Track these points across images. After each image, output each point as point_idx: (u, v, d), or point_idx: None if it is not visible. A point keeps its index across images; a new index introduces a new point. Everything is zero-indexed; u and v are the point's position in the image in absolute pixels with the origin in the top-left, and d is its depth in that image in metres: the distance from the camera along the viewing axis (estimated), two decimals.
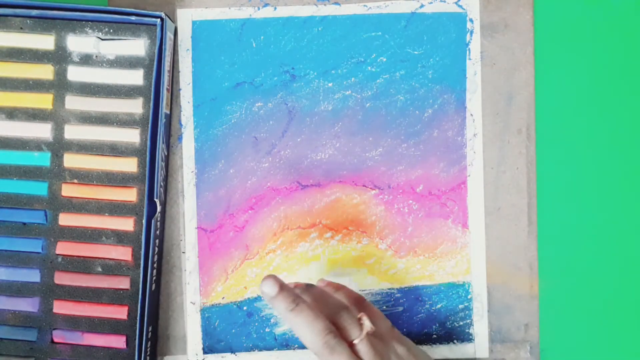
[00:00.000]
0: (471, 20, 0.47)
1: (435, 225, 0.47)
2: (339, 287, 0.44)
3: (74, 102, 0.45)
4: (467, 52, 0.47)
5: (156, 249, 0.45)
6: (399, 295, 0.47)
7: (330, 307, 0.40)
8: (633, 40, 0.47)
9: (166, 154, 0.46)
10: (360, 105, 0.47)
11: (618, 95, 0.47)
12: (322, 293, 0.41)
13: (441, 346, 0.47)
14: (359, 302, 0.43)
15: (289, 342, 0.47)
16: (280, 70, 0.47)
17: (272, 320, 0.47)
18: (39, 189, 0.45)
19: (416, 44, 0.47)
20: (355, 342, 0.39)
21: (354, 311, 0.41)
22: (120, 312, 0.45)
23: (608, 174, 0.47)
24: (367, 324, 0.40)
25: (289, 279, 0.47)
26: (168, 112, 0.46)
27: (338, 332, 0.39)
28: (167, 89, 0.45)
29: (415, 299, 0.47)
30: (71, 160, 0.45)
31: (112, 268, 0.45)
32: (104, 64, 0.45)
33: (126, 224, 0.45)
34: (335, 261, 0.47)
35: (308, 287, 0.41)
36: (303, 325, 0.38)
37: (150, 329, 0.45)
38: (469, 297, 0.47)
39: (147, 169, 0.44)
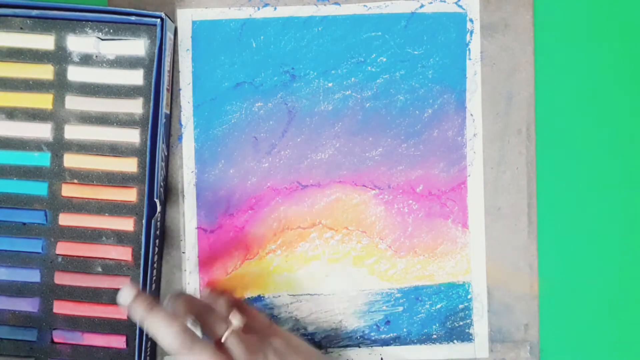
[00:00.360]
0: (471, 20, 0.47)
1: (435, 225, 0.47)
2: (220, 294, 0.45)
3: (74, 102, 0.45)
4: (467, 52, 0.47)
5: (156, 249, 0.45)
6: (399, 295, 0.47)
7: (197, 308, 0.40)
8: (633, 40, 0.47)
9: (166, 154, 0.46)
10: (360, 105, 0.47)
11: (618, 95, 0.47)
12: (189, 299, 0.41)
13: (441, 346, 0.47)
14: (236, 304, 0.44)
15: None
16: (280, 70, 0.47)
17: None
18: (39, 189, 0.45)
19: (416, 44, 0.47)
20: (222, 339, 0.39)
21: (224, 311, 0.41)
22: (120, 312, 0.45)
23: (608, 174, 0.47)
24: (234, 321, 0.40)
25: (289, 279, 0.47)
26: (168, 112, 0.46)
27: (208, 330, 0.40)
28: (167, 89, 0.45)
29: (415, 299, 0.47)
30: (71, 160, 0.45)
31: (112, 268, 0.45)
32: (104, 64, 0.45)
33: (126, 224, 0.45)
34: (335, 261, 0.47)
35: (176, 295, 0.41)
36: (160, 328, 0.38)
37: None
38: (469, 297, 0.47)
39: (147, 169, 0.44)
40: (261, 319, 0.44)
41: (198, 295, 0.46)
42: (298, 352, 0.42)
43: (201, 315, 0.40)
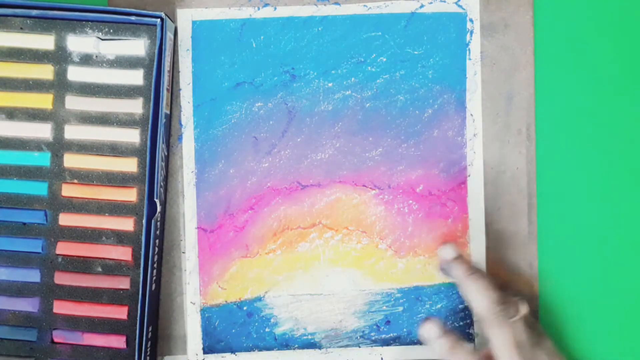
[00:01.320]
0: (471, 20, 0.47)
1: (435, 225, 0.47)
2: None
3: (74, 102, 0.45)
4: (467, 52, 0.47)
5: (156, 249, 0.45)
6: (399, 295, 0.47)
7: (495, 283, 0.43)
8: (633, 40, 0.47)
9: (166, 154, 0.46)
10: (360, 105, 0.47)
11: (618, 95, 0.47)
12: (490, 278, 0.44)
13: None
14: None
15: (289, 342, 0.47)
16: (280, 70, 0.47)
17: (272, 320, 0.47)
18: (39, 189, 0.45)
19: (416, 44, 0.47)
20: (511, 319, 0.41)
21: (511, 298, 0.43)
22: (120, 312, 0.45)
23: (608, 174, 0.47)
24: (523, 307, 0.42)
25: (289, 279, 0.47)
26: (168, 112, 0.46)
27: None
28: (167, 89, 0.45)
29: (415, 299, 0.47)
30: (71, 160, 0.45)
31: (112, 268, 0.45)
32: (104, 64, 0.45)
33: (126, 224, 0.45)
34: (335, 261, 0.47)
35: (480, 271, 0.44)
36: (479, 291, 0.42)
37: (150, 329, 0.45)
38: None
39: (147, 169, 0.44)
40: (534, 320, 0.45)
41: None
42: (561, 358, 0.43)
43: (498, 294, 0.42)
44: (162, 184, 0.45)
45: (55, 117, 0.45)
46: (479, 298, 0.42)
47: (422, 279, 0.47)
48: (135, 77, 0.45)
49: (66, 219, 0.45)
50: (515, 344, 0.41)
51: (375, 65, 0.47)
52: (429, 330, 0.43)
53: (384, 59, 0.47)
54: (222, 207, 0.47)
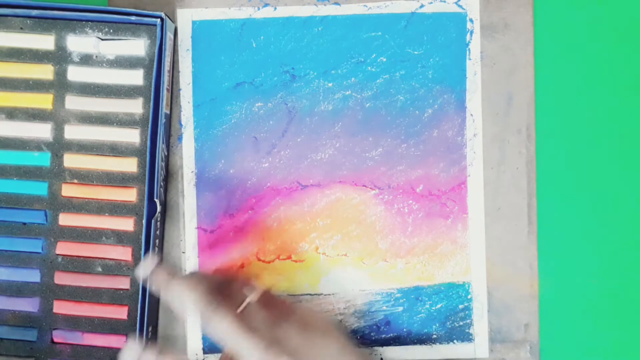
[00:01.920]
0: (471, 20, 0.47)
1: (435, 225, 0.47)
2: (234, 277, 0.45)
3: (74, 102, 0.45)
4: (467, 52, 0.47)
5: (156, 249, 0.45)
6: (399, 295, 0.47)
7: (214, 282, 0.40)
8: (633, 40, 0.47)
9: (166, 154, 0.46)
10: (360, 105, 0.47)
11: (618, 95, 0.47)
12: (205, 274, 0.42)
13: (441, 346, 0.47)
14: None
15: None
16: (280, 70, 0.47)
17: None
18: (39, 189, 0.45)
19: (416, 44, 0.47)
20: (238, 310, 0.39)
21: (240, 286, 0.41)
22: (120, 312, 0.45)
23: (608, 174, 0.47)
24: (250, 293, 0.40)
25: (289, 279, 0.47)
26: (168, 112, 0.46)
27: (226, 302, 0.39)
28: (167, 89, 0.45)
29: (415, 299, 0.47)
30: (71, 160, 0.45)
31: (112, 268, 0.45)
32: (104, 64, 0.45)
33: (126, 224, 0.45)
34: (335, 261, 0.47)
35: (192, 272, 0.43)
36: (182, 295, 0.38)
37: (150, 329, 0.45)
38: (469, 297, 0.47)
39: (147, 169, 0.44)
40: (278, 298, 0.43)
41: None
42: (317, 326, 0.40)
43: (218, 288, 0.40)
44: (162, 184, 0.45)
45: (55, 117, 0.45)
46: (189, 297, 0.38)
47: (422, 279, 0.47)
48: (135, 77, 0.45)
49: (66, 219, 0.45)
50: (247, 329, 0.37)
51: (375, 65, 0.47)
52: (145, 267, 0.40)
53: (384, 59, 0.47)
54: (222, 207, 0.47)
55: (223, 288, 0.40)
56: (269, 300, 0.41)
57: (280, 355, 0.37)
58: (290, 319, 0.40)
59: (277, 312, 0.40)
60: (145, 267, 0.40)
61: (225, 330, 0.37)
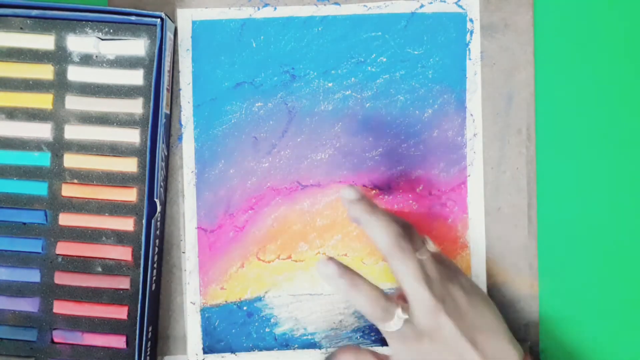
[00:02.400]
0: (471, 20, 0.47)
1: (435, 226, 0.47)
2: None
3: (74, 102, 0.45)
4: (467, 52, 0.47)
5: (156, 249, 0.45)
6: None
7: (399, 222, 0.42)
8: (633, 40, 0.47)
9: (166, 154, 0.46)
10: (360, 105, 0.47)
11: (618, 95, 0.47)
12: (394, 216, 0.43)
13: None
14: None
15: (289, 342, 0.47)
16: (280, 70, 0.47)
17: (272, 320, 0.47)
18: (39, 189, 0.45)
19: (416, 44, 0.47)
20: (418, 255, 0.40)
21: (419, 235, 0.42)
22: (120, 312, 0.45)
23: (608, 174, 0.47)
24: (430, 244, 0.42)
25: (289, 279, 0.47)
26: (168, 112, 0.46)
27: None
28: (167, 89, 0.45)
29: None
30: (71, 160, 0.45)
31: (112, 268, 0.45)
32: (104, 64, 0.45)
33: (126, 224, 0.45)
34: None
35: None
36: (382, 227, 0.40)
37: (150, 329, 0.45)
38: None
39: (147, 169, 0.44)
40: (447, 258, 0.44)
41: None
42: (479, 293, 0.42)
43: (404, 231, 0.41)
44: (162, 184, 0.45)
45: (55, 117, 0.45)
46: (383, 233, 0.40)
47: None
48: (135, 77, 0.45)
49: (66, 219, 0.45)
50: (424, 279, 0.39)
51: (375, 65, 0.47)
52: (327, 269, 0.41)
53: (384, 59, 0.47)
54: (222, 207, 0.47)
55: (405, 233, 0.41)
56: (440, 257, 0.42)
57: (446, 313, 0.39)
58: (459, 280, 0.42)
59: (448, 270, 0.41)
60: (350, 193, 0.42)
61: (407, 272, 0.40)
